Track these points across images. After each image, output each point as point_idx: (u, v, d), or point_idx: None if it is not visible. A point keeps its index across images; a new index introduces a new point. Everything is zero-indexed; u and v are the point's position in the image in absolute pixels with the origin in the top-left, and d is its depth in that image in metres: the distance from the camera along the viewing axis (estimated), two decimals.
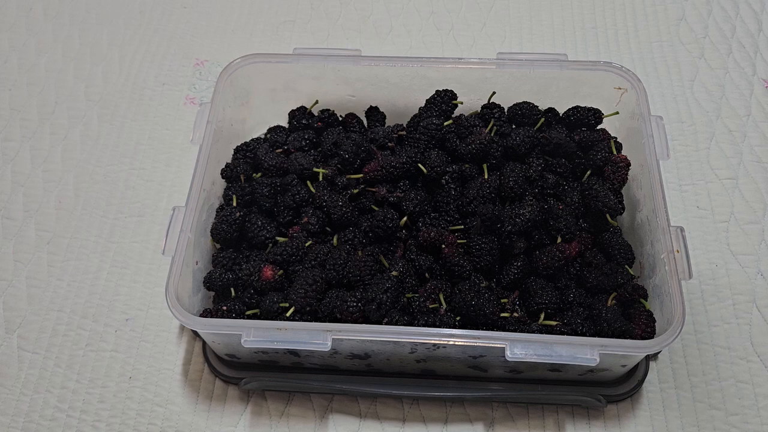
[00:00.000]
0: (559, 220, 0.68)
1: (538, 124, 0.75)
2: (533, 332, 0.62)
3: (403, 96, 0.78)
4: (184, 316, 0.59)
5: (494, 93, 0.76)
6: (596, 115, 0.75)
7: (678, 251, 0.61)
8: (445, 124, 0.72)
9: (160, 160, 0.85)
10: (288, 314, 0.62)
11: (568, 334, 0.62)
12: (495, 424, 0.66)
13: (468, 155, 0.70)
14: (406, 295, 0.64)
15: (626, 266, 0.68)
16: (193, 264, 0.66)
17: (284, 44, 0.97)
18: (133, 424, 0.67)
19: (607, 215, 0.69)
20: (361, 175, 0.70)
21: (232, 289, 0.67)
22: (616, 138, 0.75)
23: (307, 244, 0.67)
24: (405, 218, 0.68)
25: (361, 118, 0.80)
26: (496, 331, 0.61)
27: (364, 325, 0.60)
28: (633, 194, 0.72)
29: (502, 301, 0.65)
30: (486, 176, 0.70)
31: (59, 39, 0.98)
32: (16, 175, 0.84)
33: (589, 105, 0.76)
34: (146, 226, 0.80)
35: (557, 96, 0.77)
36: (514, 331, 0.62)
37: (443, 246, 0.66)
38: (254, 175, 0.74)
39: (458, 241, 0.67)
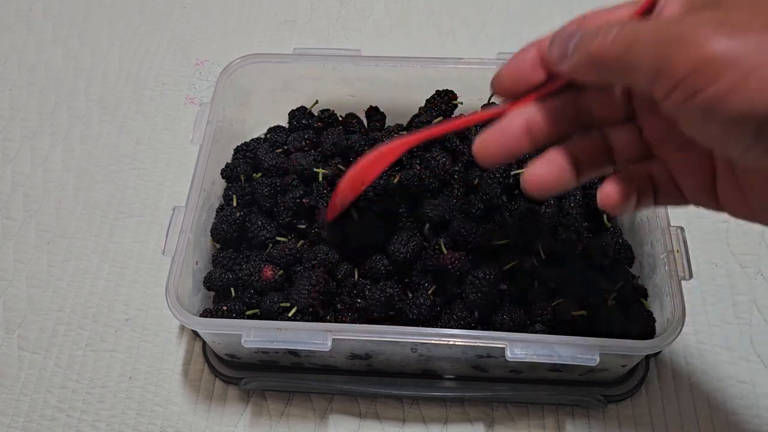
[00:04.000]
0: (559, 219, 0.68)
1: None
2: (533, 332, 0.61)
3: (403, 96, 0.78)
4: (184, 316, 0.58)
5: (494, 93, 0.76)
6: None
7: (678, 251, 0.61)
8: (434, 122, 0.72)
9: (160, 160, 0.85)
10: (290, 314, 0.62)
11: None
12: (495, 424, 0.66)
13: (469, 155, 0.70)
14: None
15: (626, 266, 0.68)
16: (193, 264, 0.66)
17: (284, 44, 0.97)
18: (133, 424, 0.67)
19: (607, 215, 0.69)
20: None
21: (232, 289, 0.67)
22: None
23: (298, 245, 0.67)
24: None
25: (361, 118, 0.80)
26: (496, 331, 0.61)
27: (364, 325, 0.60)
28: None
29: None
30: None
31: (59, 39, 0.98)
32: (16, 175, 0.84)
33: None
34: (146, 226, 0.80)
35: None
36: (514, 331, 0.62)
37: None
38: (254, 175, 0.74)
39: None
